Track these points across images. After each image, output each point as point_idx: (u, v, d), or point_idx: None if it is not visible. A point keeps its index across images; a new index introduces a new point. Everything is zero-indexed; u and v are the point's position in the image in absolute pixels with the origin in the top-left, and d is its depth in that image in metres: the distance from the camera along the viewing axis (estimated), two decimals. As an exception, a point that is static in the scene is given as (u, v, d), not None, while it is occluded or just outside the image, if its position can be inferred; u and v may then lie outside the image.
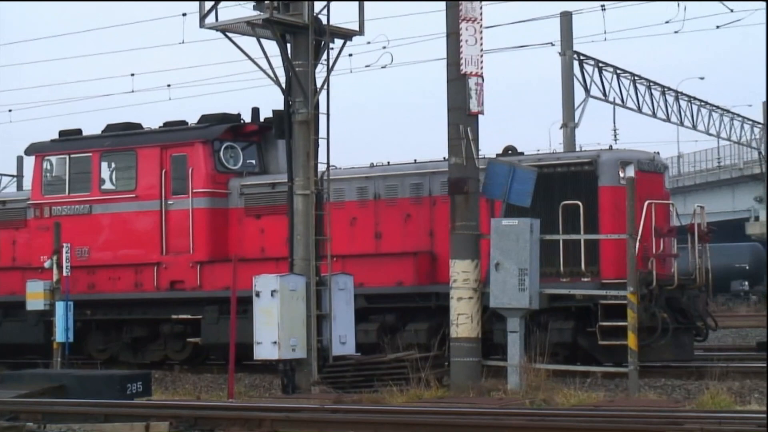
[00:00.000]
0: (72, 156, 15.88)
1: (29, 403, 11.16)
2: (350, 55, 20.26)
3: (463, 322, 11.11)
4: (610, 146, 14.22)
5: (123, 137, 15.75)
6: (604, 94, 25.51)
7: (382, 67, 20.09)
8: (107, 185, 15.86)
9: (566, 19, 23.03)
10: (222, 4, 11.60)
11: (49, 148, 16.38)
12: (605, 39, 24.17)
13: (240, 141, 15.37)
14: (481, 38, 11.13)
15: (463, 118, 11.12)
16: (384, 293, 13.84)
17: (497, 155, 13.58)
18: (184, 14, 16.78)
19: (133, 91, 27.25)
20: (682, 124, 28.87)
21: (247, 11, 11.59)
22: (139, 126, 15.75)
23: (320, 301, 11.54)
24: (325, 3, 11.57)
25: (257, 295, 11.43)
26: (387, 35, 16.34)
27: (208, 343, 14.92)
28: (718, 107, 27.44)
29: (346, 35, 12.18)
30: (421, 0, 24.28)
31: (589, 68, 24.83)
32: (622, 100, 26.42)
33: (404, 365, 11.22)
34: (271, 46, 11.65)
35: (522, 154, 13.96)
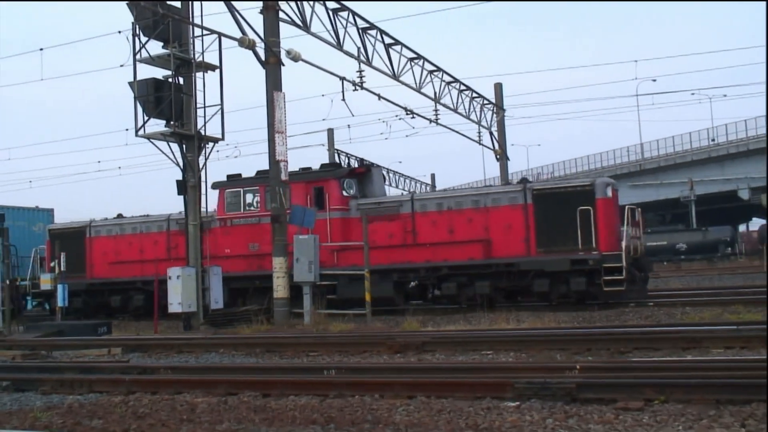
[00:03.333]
0: (245, 189, 22.89)
1: (42, 341, 16.88)
2: (218, 151, 30.44)
3: (279, 289, 19.92)
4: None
5: None
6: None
7: (235, 157, 31.83)
8: (269, 205, 20.83)
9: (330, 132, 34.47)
10: (150, 122, 20.06)
11: (227, 185, 23.06)
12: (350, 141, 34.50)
13: (352, 178, 22.64)
14: (286, 142, 20.41)
15: (278, 183, 19.95)
16: (461, 265, 20.34)
17: (518, 182, 23.22)
18: (127, 129, 23.82)
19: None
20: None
21: (161, 127, 20.02)
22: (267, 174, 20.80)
23: (204, 280, 20.37)
24: (203, 123, 20.63)
25: (170, 278, 19.88)
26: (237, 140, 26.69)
27: (342, 298, 20.99)
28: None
29: (215, 140, 20.67)
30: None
31: (343, 156, 36.76)
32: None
33: (249, 313, 20.07)
34: (174, 146, 20.58)
35: (530, 181, 22.86)
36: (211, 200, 22.19)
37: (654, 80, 61.79)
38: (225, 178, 23.63)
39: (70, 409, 8.65)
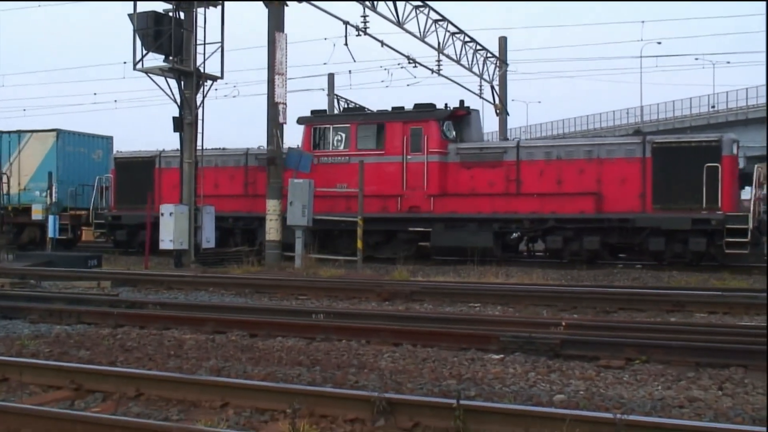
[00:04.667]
0: (334, 126, 21.73)
1: (32, 270, 16.85)
2: (216, 89, 29.94)
3: (271, 232, 20.01)
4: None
5: (373, 115, 22.20)
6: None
7: (233, 96, 30.98)
8: (361, 145, 21.14)
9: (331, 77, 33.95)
10: (148, 56, 19.90)
11: (314, 121, 21.85)
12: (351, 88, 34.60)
13: (451, 120, 21.13)
14: (285, 84, 20.29)
15: (275, 125, 19.88)
16: (570, 218, 19.16)
17: (633, 133, 22.79)
18: (125, 62, 22.63)
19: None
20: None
21: (159, 62, 19.78)
22: (362, 109, 22.07)
23: (197, 218, 20.40)
24: (202, 60, 20.46)
25: (162, 215, 19.88)
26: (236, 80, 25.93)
27: (435, 246, 20.51)
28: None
29: (214, 78, 20.48)
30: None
31: (342, 102, 36.24)
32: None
33: (241, 253, 20.22)
34: (172, 82, 20.40)
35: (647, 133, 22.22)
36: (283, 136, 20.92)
37: (659, 42, 60.92)
38: (307, 114, 22.46)
39: (58, 339, 8.73)
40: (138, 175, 23.92)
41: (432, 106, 21.01)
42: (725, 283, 14.86)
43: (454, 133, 21.31)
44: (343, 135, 21.63)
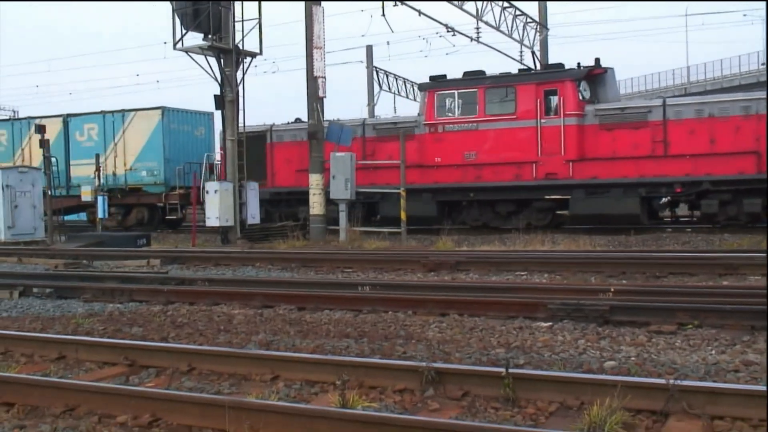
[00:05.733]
0: (459, 91, 20.64)
1: (84, 250, 17.30)
2: (255, 66, 30.39)
3: (315, 206, 20.03)
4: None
5: (503, 78, 20.55)
6: (389, 88, 39.41)
7: (273, 72, 31.33)
8: (490, 110, 20.20)
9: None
10: (187, 35, 20.01)
11: (438, 87, 20.84)
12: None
13: (587, 80, 19.94)
14: (324, 58, 20.27)
15: (315, 99, 19.97)
16: (728, 179, 17.92)
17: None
18: (165, 43, 22.52)
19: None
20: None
21: (199, 41, 19.95)
22: (482, 72, 20.61)
23: (241, 195, 20.61)
24: (241, 37, 20.49)
25: (207, 192, 20.12)
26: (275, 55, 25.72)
27: (574, 214, 19.63)
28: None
29: (253, 54, 20.57)
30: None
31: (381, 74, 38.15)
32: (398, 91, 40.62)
33: (285, 229, 20.41)
34: (212, 60, 20.51)
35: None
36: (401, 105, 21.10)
37: (705, -1, 59.23)
38: (421, 82, 21.83)
39: (111, 317, 8.92)
40: (249, 150, 22.10)
41: (561, 65, 20.05)
42: (779, 244, 14.47)
43: (589, 93, 20.11)
44: (470, 100, 20.63)
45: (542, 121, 19.65)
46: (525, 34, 34.36)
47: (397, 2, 23.52)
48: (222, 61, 19.97)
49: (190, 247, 19.34)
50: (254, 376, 5.72)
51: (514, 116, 19.98)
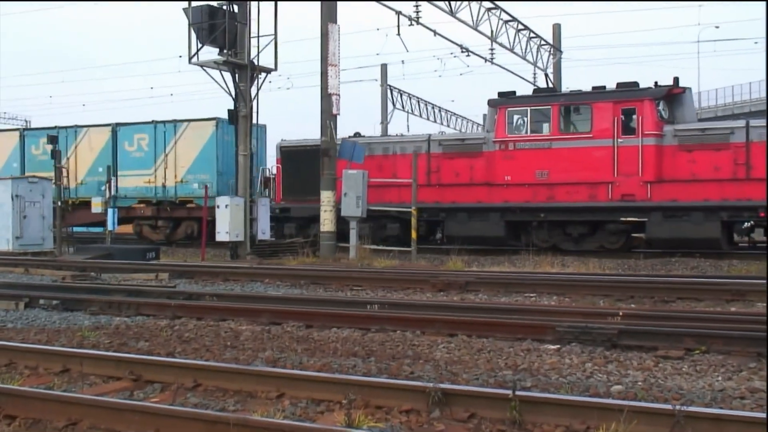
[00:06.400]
0: (532, 108, 20.02)
1: (92, 262, 17.32)
2: (270, 82, 31.04)
3: (326, 223, 20.03)
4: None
5: (578, 96, 19.99)
6: (402, 107, 39.88)
7: (287, 88, 31.87)
8: (564, 128, 19.62)
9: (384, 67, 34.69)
10: (202, 50, 20.26)
11: (509, 103, 20.26)
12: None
13: (665, 99, 19.32)
14: (338, 75, 20.40)
15: (329, 116, 20.14)
16: None
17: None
18: (180, 56, 22.94)
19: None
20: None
21: (214, 55, 20.29)
22: (554, 90, 20.63)
23: (252, 210, 20.70)
24: (256, 52, 20.67)
25: (218, 207, 20.26)
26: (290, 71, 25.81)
27: (652, 237, 18.99)
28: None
29: (268, 70, 20.86)
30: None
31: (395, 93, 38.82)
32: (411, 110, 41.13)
33: (295, 245, 20.45)
34: (227, 75, 20.67)
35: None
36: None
37: (717, 27, 59.21)
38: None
39: (117, 330, 8.93)
40: (306, 163, 22.11)
41: (636, 84, 19.51)
42: (790, 271, 14.37)
43: (667, 113, 19.54)
44: (543, 118, 20.04)
45: (619, 140, 19.06)
46: (539, 56, 34.52)
47: (413, 22, 23.64)
48: (237, 76, 20.14)
49: (200, 261, 19.34)
50: (260, 394, 5.71)
51: (590, 135, 19.39)
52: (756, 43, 59.74)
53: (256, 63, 20.34)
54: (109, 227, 20.77)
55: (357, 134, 24.15)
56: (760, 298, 10.69)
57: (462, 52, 29.10)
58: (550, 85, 35.82)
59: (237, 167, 20.66)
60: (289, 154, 23.01)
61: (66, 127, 26.93)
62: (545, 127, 19.90)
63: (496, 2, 28.29)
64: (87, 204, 25.34)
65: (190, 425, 4.60)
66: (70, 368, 6.56)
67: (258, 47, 20.37)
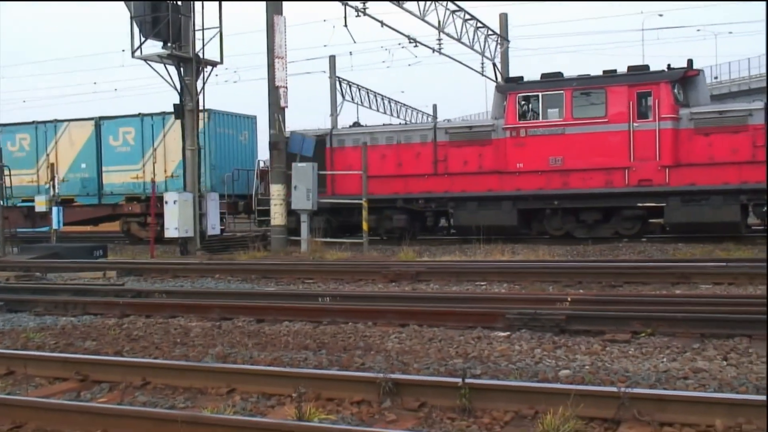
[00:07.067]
0: (544, 93, 19.56)
1: (37, 262, 16.98)
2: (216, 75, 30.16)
3: (277, 217, 20.08)
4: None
5: (591, 80, 19.41)
6: (352, 98, 40.26)
7: (234, 82, 30.94)
8: (578, 113, 19.16)
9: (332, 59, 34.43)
10: (146, 43, 19.84)
11: (519, 89, 19.84)
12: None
13: (680, 82, 18.84)
14: (286, 67, 20.26)
15: (277, 109, 20.09)
16: None
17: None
18: (123, 50, 22.05)
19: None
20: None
21: (158, 49, 19.84)
22: (561, 74, 19.58)
23: (201, 205, 20.45)
24: (201, 45, 20.35)
25: (166, 202, 19.97)
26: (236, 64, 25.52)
27: (670, 222, 18.60)
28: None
29: (214, 63, 20.53)
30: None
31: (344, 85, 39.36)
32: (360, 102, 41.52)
33: (246, 240, 20.35)
34: (172, 69, 20.35)
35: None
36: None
37: (660, 15, 60.51)
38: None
39: (63, 331, 8.75)
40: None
41: (647, 67, 19.22)
42: (730, 254, 14.82)
43: (682, 96, 19.11)
44: (555, 103, 19.56)
45: (635, 124, 18.71)
46: (486, 45, 34.72)
47: (360, 13, 23.58)
48: (182, 69, 19.82)
49: (149, 258, 19.05)
50: (210, 390, 5.66)
51: (605, 119, 19.02)
52: (698, 30, 61.28)
53: (201, 56, 20.02)
54: (54, 226, 20.26)
55: (356, 123, 23.96)
56: (703, 280, 10.99)
57: (410, 42, 29.11)
58: (498, 75, 36.17)
59: (184, 161, 20.34)
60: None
61: (45, 122, 25.87)
62: (557, 112, 19.49)
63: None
64: (70, 203, 24.67)
65: (138, 424, 4.54)
66: (15, 371, 6.41)
67: (203, 40, 20.09)
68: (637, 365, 6.20)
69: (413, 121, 50.12)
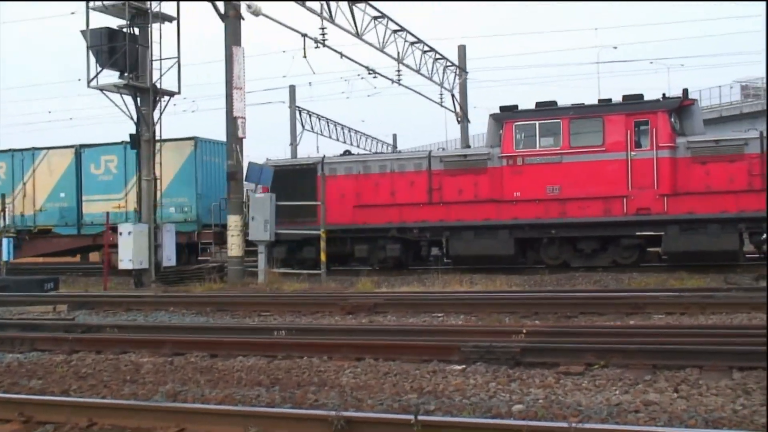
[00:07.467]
0: (541, 122, 19.46)
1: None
2: (174, 104, 30.03)
3: (234, 248, 20.00)
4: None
5: (589, 108, 19.46)
6: (312, 128, 41.21)
7: (192, 111, 31.29)
8: (575, 141, 19.20)
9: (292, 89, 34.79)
10: (103, 73, 19.70)
11: (516, 117, 19.72)
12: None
13: (676, 111, 18.96)
14: (244, 98, 20.23)
15: (235, 140, 20.07)
16: None
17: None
18: (79, 79, 20.93)
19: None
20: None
21: (115, 78, 19.69)
22: (555, 103, 19.63)
23: (157, 236, 20.20)
24: (158, 75, 20.24)
25: (120, 234, 19.66)
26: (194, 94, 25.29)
27: (668, 251, 18.68)
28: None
29: (171, 93, 20.48)
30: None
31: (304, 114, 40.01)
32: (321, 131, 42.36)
33: (202, 271, 20.07)
34: (128, 98, 20.19)
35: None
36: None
37: (615, 47, 61.99)
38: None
39: (9, 369, 8.48)
40: (297, 185, 21.11)
41: (641, 96, 19.32)
42: (683, 283, 15.05)
43: (678, 125, 19.24)
44: (553, 131, 19.54)
45: (632, 153, 18.80)
46: (445, 76, 35.17)
47: (319, 45, 23.69)
48: (138, 99, 19.66)
49: (102, 291, 18.68)
50: (158, 430, 5.53)
51: (602, 148, 19.09)
52: (651, 62, 62.72)
53: (158, 86, 19.88)
54: (4, 257, 19.79)
55: (346, 152, 23.79)
56: (656, 310, 11.12)
57: (369, 73, 29.35)
58: (457, 106, 36.57)
59: (139, 192, 20.10)
60: (278, 174, 21.34)
61: (22, 150, 25.20)
62: (554, 141, 19.54)
63: (400, 24, 28.69)
64: (47, 233, 24.02)
65: (80, 469, 4.40)
66: (-46, 412, 6.19)
67: (161, 70, 19.99)
68: (590, 398, 6.23)
69: (373, 150, 50.31)
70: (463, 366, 7.70)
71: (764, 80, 54.14)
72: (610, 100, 19.53)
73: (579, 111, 19.53)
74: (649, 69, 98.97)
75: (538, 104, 19.93)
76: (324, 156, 22.67)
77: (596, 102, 19.68)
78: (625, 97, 19.30)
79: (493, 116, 20.25)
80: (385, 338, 8.96)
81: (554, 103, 19.98)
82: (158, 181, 20.47)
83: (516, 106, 20.19)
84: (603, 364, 7.35)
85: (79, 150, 24.50)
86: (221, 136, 20.60)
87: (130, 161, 23.06)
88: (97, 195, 24.00)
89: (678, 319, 10.56)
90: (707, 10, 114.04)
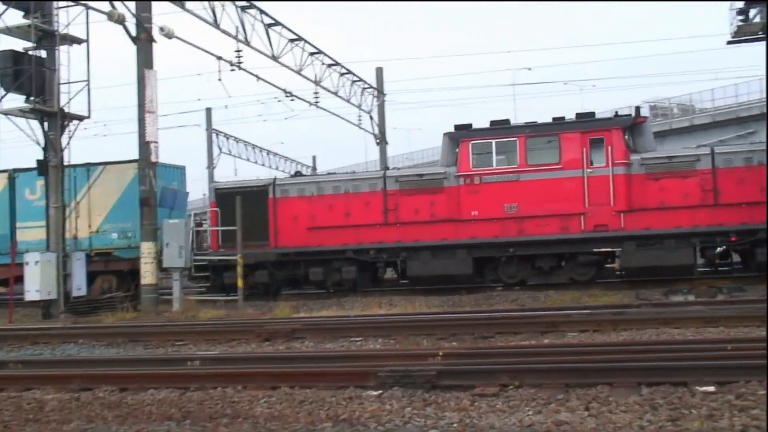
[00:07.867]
0: (497, 140, 19.34)
1: None
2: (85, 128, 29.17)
3: (147, 275, 19.31)
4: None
5: (544, 126, 19.43)
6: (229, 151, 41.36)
7: (104, 135, 30.34)
8: (532, 159, 19.12)
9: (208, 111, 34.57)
10: (7, 97, 18.89)
11: (472, 135, 19.51)
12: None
13: (629, 128, 19.15)
14: (157, 122, 19.79)
15: (147, 165, 19.52)
16: None
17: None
18: None
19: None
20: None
21: (20, 103, 18.94)
22: (508, 122, 19.75)
23: (66, 266, 19.47)
24: (67, 99, 19.62)
25: (27, 263, 18.85)
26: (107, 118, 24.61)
27: (626, 267, 18.97)
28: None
29: (80, 118, 19.78)
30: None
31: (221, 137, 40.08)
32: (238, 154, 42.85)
33: (115, 300, 19.47)
34: (35, 123, 19.49)
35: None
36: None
37: (530, 69, 63.60)
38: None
39: None
40: (247, 207, 20.07)
41: (593, 114, 19.56)
42: (597, 300, 15.43)
43: (631, 142, 19.38)
44: (509, 150, 19.44)
45: (588, 170, 18.90)
46: (363, 98, 35.36)
47: (235, 67, 23.47)
48: (46, 124, 19.02)
49: (7, 323, 17.86)
50: (59, 472, 5.27)
51: (559, 166, 19.10)
52: (565, 84, 64.66)
53: (66, 110, 19.27)
54: None
55: (298, 173, 23.28)
56: (570, 328, 11.34)
57: (286, 96, 29.25)
58: (375, 127, 36.80)
59: (47, 219, 19.39)
60: (227, 197, 20.71)
61: None
62: (511, 159, 19.47)
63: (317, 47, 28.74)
64: None
65: None
66: None
67: (69, 93, 19.36)
68: (504, 420, 6.27)
69: (292, 172, 50.04)
70: (380, 391, 7.65)
71: (671, 101, 56.46)
72: (563, 118, 19.67)
73: (535, 129, 19.64)
74: (562, 90, 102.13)
75: (492, 122, 19.99)
76: (275, 177, 22.29)
77: (550, 120, 19.88)
78: (578, 115, 19.53)
79: (448, 135, 20.11)
80: (301, 365, 8.84)
81: (507, 121, 20.14)
82: (93, 207, 19.36)
83: (470, 125, 20.11)
84: (517, 384, 7.42)
85: (12, 174, 23.13)
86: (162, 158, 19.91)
87: (69, 185, 21.72)
88: (32, 222, 22.33)
89: (591, 337, 10.80)
90: (615, 34, 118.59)
